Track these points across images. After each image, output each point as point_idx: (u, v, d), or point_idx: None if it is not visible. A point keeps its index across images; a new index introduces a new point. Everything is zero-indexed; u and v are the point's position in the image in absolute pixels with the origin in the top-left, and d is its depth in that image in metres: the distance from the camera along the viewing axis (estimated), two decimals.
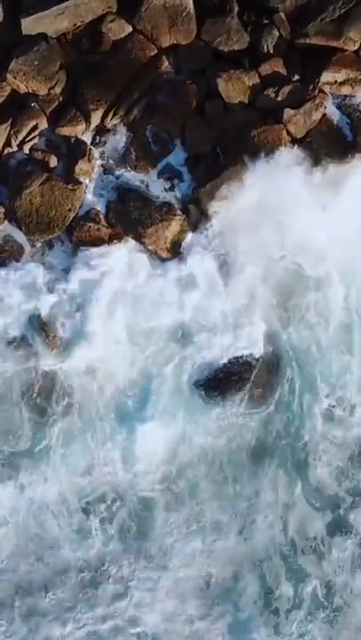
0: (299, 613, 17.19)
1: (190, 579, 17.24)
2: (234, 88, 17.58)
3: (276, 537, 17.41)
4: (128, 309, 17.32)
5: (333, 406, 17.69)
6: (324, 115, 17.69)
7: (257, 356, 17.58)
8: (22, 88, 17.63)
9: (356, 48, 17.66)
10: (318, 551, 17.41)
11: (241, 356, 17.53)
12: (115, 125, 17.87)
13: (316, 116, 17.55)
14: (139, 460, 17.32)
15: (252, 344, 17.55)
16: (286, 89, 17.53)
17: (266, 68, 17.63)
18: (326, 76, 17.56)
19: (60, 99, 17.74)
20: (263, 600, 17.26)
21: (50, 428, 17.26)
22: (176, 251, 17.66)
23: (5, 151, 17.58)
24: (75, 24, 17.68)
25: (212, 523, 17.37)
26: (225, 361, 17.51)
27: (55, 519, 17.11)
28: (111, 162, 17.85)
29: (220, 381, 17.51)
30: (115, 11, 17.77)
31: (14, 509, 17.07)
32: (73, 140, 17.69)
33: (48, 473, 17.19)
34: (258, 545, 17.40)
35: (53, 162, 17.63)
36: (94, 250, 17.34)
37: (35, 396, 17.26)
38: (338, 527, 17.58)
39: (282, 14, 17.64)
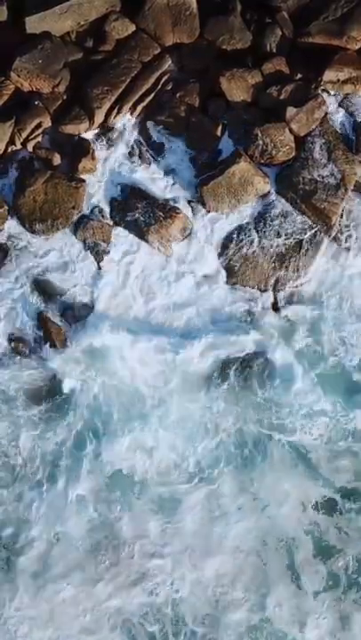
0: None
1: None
2: (237, 86, 17.64)
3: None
4: None
5: None
6: (327, 113, 17.77)
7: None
8: (26, 86, 17.73)
9: (358, 47, 17.69)
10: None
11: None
12: (118, 124, 17.94)
13: (319, 114, 17.61)
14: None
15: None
16: (289, 87, 17.59)
17: (269, 67, 17.71)
18: (329, 75, 17.61)
19: (64, 97, 17.83)
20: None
21: None
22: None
23: (9, 149, 17.67)
24: (78, 23, 17.78)
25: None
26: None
27: None
28: (114, 160, 17.90)
29: None
30: (118, 9, 17.90)
31: None
32: (76, 138, 17.78)
33: None
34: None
35: (57, 160, 17.70)
36: None
37: None
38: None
39: (284, 13, 17.73)
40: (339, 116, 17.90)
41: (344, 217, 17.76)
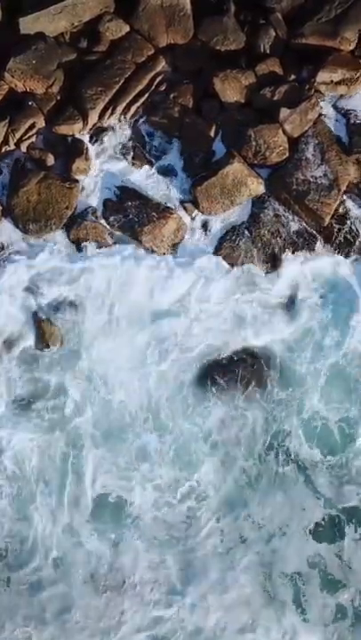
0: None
1: None
2: (230, 87, 17.66)
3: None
4: None
5: None
6: (320, 114, 17.79)
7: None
8: (20, 87, 17.74)
9: (351, 48, 17.74)
10: None
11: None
12: (112, 124, 17.98)
13: (312, 115, 17.63)
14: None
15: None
16: (282, 88, 17.60)
17: (262, 68, 17.72)
18: (322, 76, 17.63)
19: (58, 97, 17.84)
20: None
21: None
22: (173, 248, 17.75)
23: (3, 149, 17.68)
24: (72, 23, 17.80)
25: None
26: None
27: None
28: (108, 160, 17.92)
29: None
30: (112, 10, 17.92)
31: None
32: (70, 138, 17.80)
33: None
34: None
35: (50, 160, 17.72)
36: None
37: None
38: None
39: (278, 14, 17.76)
40: (332, 117, 17.93)
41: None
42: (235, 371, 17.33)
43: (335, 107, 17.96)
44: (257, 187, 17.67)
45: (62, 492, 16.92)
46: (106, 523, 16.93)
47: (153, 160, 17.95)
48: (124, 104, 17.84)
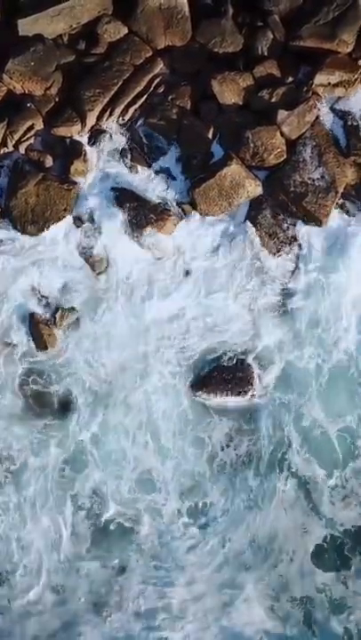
0: None
1: None
2: (228, 89, 17.70)
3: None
4: None
5: None
6: (318, 116, 17.83)
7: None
8: (18, 88, 17.77)
9: (349, 50, 17.76)
10: None
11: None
12: (110, 126, 18.01)
13: (310, 117, 17.68)
14: None
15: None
16: (280, 90, 17.65)
17: (260, 70, 17.76)
18: (320, 78, 17.65)
19: (56, 99, 17.88)
20: None
21: None
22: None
23: (1, 151, 17.74)
24: (71, 25, 17.82)
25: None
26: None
27: None
28: (106, 162, 17.96)
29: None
30: (110, 12, 17.93)
31: None
32: (68, 140, 17.85)
33: None
34: None
35: (49, 162, 17.78)
36: None
37: None
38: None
39: (276, 16, 17.77)
40: (330, 120, 17.95)
41: None
42: (236, 374, 17.46)
43: (333, 109, 17.97)
44: (255, 188, 17.71)
45: (63, 516, 16.99)
46: (109, 549, 16.95)
47: (151, 162, 17.98)
48: (122, 106, 17.89)
